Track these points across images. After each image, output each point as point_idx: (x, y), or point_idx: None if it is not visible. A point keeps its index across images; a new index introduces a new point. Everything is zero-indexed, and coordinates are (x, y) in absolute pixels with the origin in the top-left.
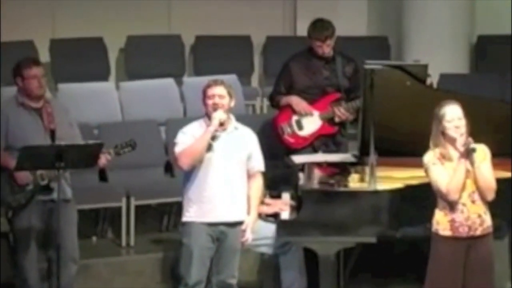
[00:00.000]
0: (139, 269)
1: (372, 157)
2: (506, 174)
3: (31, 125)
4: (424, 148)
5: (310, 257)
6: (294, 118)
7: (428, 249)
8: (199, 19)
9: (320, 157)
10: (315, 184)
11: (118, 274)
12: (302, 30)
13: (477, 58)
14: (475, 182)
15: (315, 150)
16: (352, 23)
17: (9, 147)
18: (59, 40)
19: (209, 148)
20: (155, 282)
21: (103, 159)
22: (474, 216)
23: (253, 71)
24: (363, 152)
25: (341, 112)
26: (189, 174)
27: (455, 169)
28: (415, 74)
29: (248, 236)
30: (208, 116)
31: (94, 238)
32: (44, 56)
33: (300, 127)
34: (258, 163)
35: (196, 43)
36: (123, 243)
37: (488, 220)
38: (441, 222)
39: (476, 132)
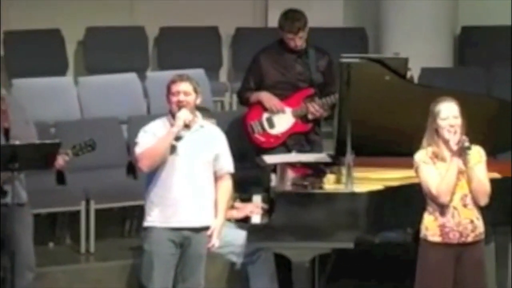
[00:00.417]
0: (99, 277)
1: (349, 157)
2: (492, 175)
3: None
4: (405, 147)
5: (283, 264)
6: (265, 115)
7: (409, 255)
8: (164, 10)
9: (293, 157)
10: (288, 186)
11: (77, 282)
12: (274, 21)
13: (461, 51)
14: (468, 184)
15: (287, 150)
16: (326, 13)
17: None
18: (13, 32)
19: (172, 149)
20: None
21: (61, 160)
22: (466, 222)
23: (221, 65)
24: (339, 151)
25: (315, 109)
26: (152, 176)
27: (447, 169)
28: (394, 68)
29: (215, 242)
30: (172, 114)
31: (51, 244)
32: None
33: (271, 125)
34: (226, 164)
35: (161, 35)
36: (82, 249)
37: (480, 226)
38: (430, 227)
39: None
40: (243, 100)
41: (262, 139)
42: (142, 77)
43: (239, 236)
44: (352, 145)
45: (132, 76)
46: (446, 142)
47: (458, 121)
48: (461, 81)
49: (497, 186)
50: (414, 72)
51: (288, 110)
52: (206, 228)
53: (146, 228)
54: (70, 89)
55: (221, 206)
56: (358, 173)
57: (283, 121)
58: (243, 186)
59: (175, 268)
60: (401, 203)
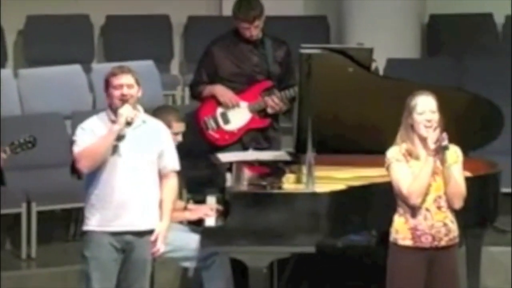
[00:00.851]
0: (41, 285)
1: (310, 155)
2: (464, 174)
3: None
4: (370, 144)
5: (239, 269)
6: (219, 110)
7: (374, 259)
8: None
9: (250, 154)
10: (244, 186)
11: None
12: (229, 9)
13: (429, 40)
14: (444, 185)
15: (244, 147)
16: (285, 0)
17: None
18: None
19: (114, 149)
20: None
21: None
22: (439, 225)
23: (172, 56)
24: (300, 149)
25: (274, 103)
26: (91, 177)
27: (421, 169)
28: (358, 59)
29: (159, 247)
30: (112, 109)
31: None
32: None
33: (226, 120)
34: (171, 161)
35: (107, 24)
36: (23, 254)
37: (454, 230)
38: (400, 230)
39: None
40: (196, 94)
41: (216, 135)
42: (87, 69)
43: (192, 240)
44: (313, 142)
45: (76, 68)
46: (422, 139)
47: (435, 116)
48: (429, 73)
49: (468, 185)
50: (379, 64)
51: (244, 105)
52: (150, 232)
53: (86, 233)
54: (9, 82)
55: (166, 207)
56: (319, 172)
57: (239, 116)
58: (196, 187)
59: (118, 274)
60: (366, 204)
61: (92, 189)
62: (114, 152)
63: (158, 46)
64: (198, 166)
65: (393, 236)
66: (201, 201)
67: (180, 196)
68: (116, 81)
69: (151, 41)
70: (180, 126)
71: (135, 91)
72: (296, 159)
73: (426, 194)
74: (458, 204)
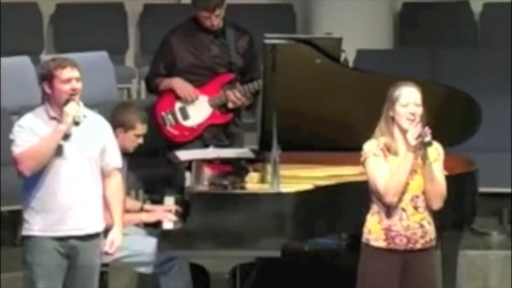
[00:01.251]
0: None
1: (275, 152)
2: None
3: None
4: (340, 140)
5: (200, 275)
6: (178, 105)
7: (344, 262)
8: None
9: (211, 152)
10: (204, 186)
11: None
12: None
13: (402, 30)
14: (423, 184)
15: (204, 144)
16: None
17: None
18: None
19: (58, 151)
20: None
21: None
22: (415, 226)
23: (127, 47)
24: (264, 146)
25: (236, 97)
26: (32, 179)
27: (399, 165)
28: (326, 50)
29: (111, 250)
30: (52, 105)
31: None
32: None
33: (185, 116)
34: (114, 157)
35: (57, 12)
36: None
37: (431, 232)
38: (373, 231)
39: None
40: (152, 88)
41: (174, 132)
42: (36, 61)
43: (149, 243)
44: (279, 139)
45: (24, 60)
46: (403, 133)
47: (419, 110)
48: (402, 64)
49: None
50: (348, 55)
51: (204, 99)
52: (96, 235)
53: (27, 238)
54: None
55: (116, 209)
56: (285, 170)
57: (199, 112)
58: (154, 186)
59: (64, 281)
60: (335, 205)
61: (33, 191)
62: (58, 153)
63: (112, 36)
64: (156, 165)
65: (365, 236)
66: (158, 202)
67: (136, 196)
68: (66, 74)
69: (104, 31)
70: (144, 128)
71: (81, 86)
72: (260, 157)
73: (403, 192)
74: (438, 205)
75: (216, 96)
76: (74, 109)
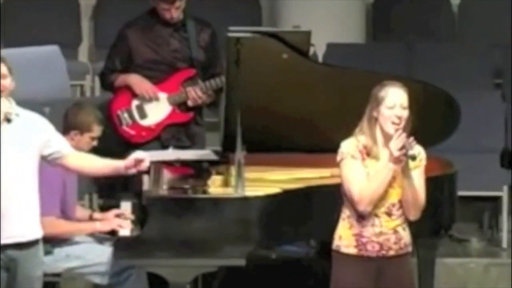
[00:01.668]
0: None
1: (240, 154)
2: None
3: None
4: (309, 141)
5: (158, 285)
6: (135, 103)
7: (313, 272)
8: None
9: (170, 154)
10: (163, 190)
11: None
12: None
13: (375, 23)
14: (401, 194)
15: (163, 145)
16: None
17: None
18: None
19: None
20: None
21: None
22: (389, 232)
23: (80, 41)
24: (227, 146)
25: (197, 94)
26: None
27: (379, 173)
28: (294, 44)
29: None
30: None
31: None
32: None
33: (142, 114)
34: (64, 143)
35: (5, 4)
36: None
37: (406, 238)
38: (344, 236)
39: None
40: (107, 84)
41: (131, 132)
42: None
43: (104, 252)
44: (243, 139)
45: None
46: (386, 136)
47: (405, 113)
48: (375, 59)
49: None
50: (318, 49)
51: (163, 96)
52: (35, 242)
53: None
54: None
55: (104, 160)
56: (250, 173)
57: (157, 110)
58: (109, 191)
59: None
60: (304, 210)
61: None
62: None
63: (64, 30)
64: None
65: (335, 243)
66: (114, 207)
67: (90, 201)
68: None
69: (56, 24)
70: (100, 130)
71: (9, 82)
72: (223, 159)
73: (379, 200)
74: (415, 215)
75: (175, 93)
76: (4, 105)
